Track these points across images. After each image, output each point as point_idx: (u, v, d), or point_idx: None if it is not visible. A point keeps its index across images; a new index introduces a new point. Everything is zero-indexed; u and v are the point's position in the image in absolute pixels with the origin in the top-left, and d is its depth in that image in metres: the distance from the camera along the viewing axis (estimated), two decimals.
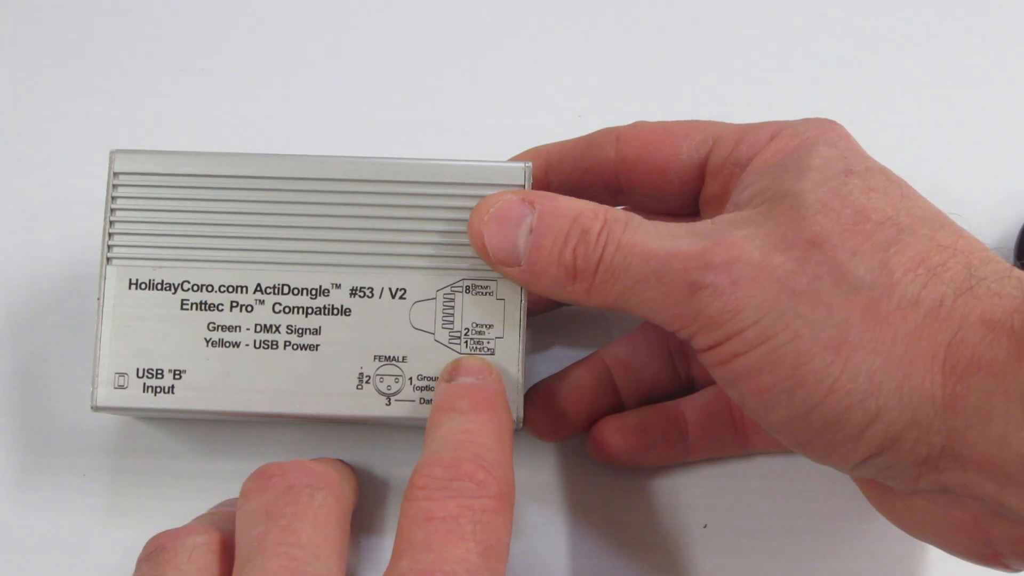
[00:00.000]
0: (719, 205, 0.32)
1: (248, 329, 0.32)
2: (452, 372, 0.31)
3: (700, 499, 0.36)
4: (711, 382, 0.36)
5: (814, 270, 0.26)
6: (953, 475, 0.25)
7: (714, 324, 0.26)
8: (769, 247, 0.26)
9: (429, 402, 0.32)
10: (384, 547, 0.35)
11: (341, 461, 0.35)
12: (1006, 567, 0.27)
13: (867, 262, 0.26)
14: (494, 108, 0.42)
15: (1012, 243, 0.39)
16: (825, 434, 0.26)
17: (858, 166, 0.28)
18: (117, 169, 0.32)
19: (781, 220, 0.27)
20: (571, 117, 0.41)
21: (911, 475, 0.26)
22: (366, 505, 0.35)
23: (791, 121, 0.31)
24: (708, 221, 0.28)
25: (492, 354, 0.32)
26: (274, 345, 0.32)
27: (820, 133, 0.30)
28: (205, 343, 0.32)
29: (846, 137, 0.30)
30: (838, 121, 0.31)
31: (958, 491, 0.25)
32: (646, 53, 0.43)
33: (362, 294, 0.32)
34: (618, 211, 0.29)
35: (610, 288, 0.28)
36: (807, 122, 0.31)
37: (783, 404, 0.26)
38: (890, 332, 0.25)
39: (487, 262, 0.31)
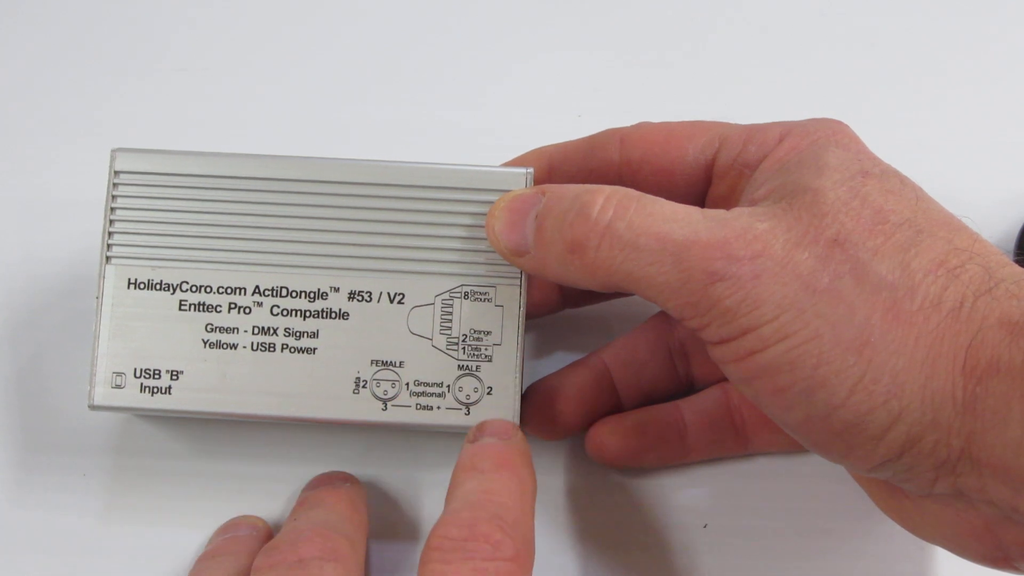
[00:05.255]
0: (726, 206, 0.32)
1: (246, 331, 0.32)
2: (476, 433, 0.31)
3: (700, 499, 0.36)
4: (711, 383, 0.36)
5: (836, 268, 0.26)
6: (970, 479, 0.25)
7: (730, 317, 0.26)
8: (791, 243, 0.26)
9: (425, 408, 0.32)
10: (378, 551, 0.35)
11: (351, 478, 0.34)
12: (1016, 570, 0.27)
13: (888, 262, 0.25)
14: (494, 108, 0.42)
15: (1012, 243, 0.39)
16: (845, 435, 0.26)
17: (874, 168, 0.28)
18: (118, 168, 0.32)
19: (802, 216, 0.26)
20: (571, 117, 0.41)
21: (928, 479, 0.26)
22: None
23: (799, 121, 0.31)
24: (724, 210, 0.28)
25: (490, 361, 0.32)
26: (271, 347, 0.32)
27: (830, 134, 0.30)
28: (203, 344, 0.32)
29: (855, 139, 0.30)
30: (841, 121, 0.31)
31: (974, 496, 0.25)
32: (645, 53, 0.43)
33: (360, 298, 0.32)
34: (630, 190, 0.29)
35: (614, 263, 0.27)
36: (816, 122, 0.31)
37: (801, 404, 0.26)
38: (913, 333, 0.25)
39: (502, 256, 0.31)
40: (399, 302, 0.32)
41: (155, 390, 0.32)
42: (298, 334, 0.32)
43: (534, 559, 0.28)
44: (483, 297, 0.32)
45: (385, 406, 0.32)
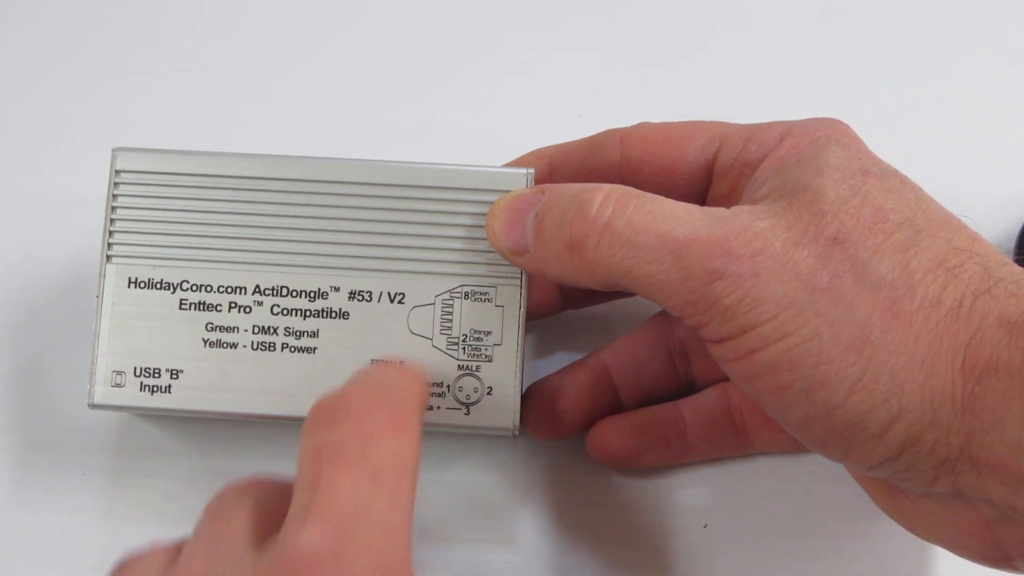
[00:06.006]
0: (727, 206, 0.32)
1: (246, 330, 0.32)
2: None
3: (700, 499, 0.36)
4: (711, 383, 0.36)
5: (835, 267, 0.26)
6: (969, 479, 0.25)
7: (729, 315, 0.26)
8: (791, 241, 0.26)
9: (425, 408, 0.31)
10: None
11: None
12: (1015, 569, 0.27)
13: (888, 261, 0.25)
14: (494, 108, 0.42)
15: (1012, 243, 0.39)
16: (845, 434, 0.26)
17: (874, 168, 0.28)
18: (119, 167, 0.32)
19: (802, 214, 0.26)
20: (571, 117, 0.41)
21: (928, 478, 0.26)
22: None
23: (800, 121, 0.31)
24: (723, 208, 0.28)
25: (490, 361, 0.32)
26: (272, 347, 0.32)
27: (831, 133, 0.30)
28: (203, 343, 0.32)
29: (856, 139, 0.30)
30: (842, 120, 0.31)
31: (973, 495, 0.25)
32: (645, 53, 0.43)
33: (360, 298, 0.32)
34: (629, 188, 0.28)
35: (613, 260, 0.27)
36: (816, 122, 0.31)
37: (801, 403, 0.26)
38: (912, 331, 0.25)
39: (503, 255, 0.31)
40: (399, 302, 0.32)
41: (155, 389, 0.32)
42: (298, 333, 0.32)
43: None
44: (483, 297, 0.32)
45: None
